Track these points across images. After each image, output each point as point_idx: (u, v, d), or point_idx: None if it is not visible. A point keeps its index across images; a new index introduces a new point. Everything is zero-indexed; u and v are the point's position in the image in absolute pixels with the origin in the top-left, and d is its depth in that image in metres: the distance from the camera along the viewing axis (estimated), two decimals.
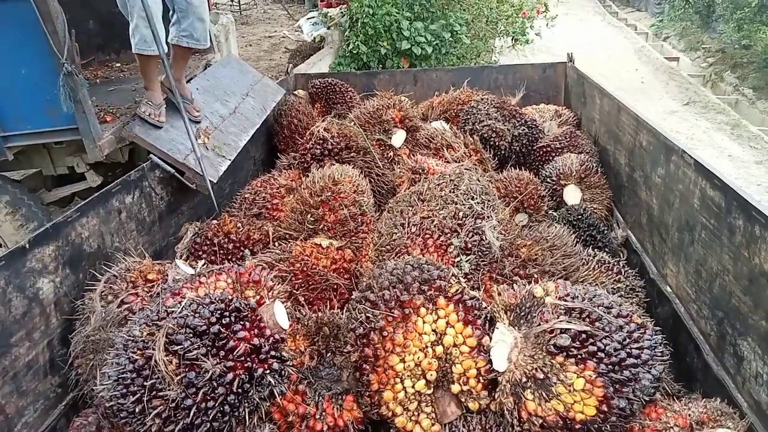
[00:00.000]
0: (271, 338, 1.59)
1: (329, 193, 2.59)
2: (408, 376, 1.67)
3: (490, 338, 1.70)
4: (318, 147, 3.30)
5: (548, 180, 3.47)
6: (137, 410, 1.44)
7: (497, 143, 3.66)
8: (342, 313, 1.99)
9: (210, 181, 2.92)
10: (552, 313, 1.63)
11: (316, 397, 1.76)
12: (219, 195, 3.35)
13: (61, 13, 2.76)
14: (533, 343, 1.62)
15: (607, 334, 1.57)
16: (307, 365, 1.85)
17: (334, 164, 2.94)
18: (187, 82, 3.77)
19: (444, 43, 7.25)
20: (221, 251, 2.61)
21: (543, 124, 4.12)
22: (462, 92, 4.33)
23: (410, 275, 1.77)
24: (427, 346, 1.67)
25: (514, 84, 4.87)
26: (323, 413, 1.72)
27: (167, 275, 2.11)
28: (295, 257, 2.37)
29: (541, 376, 1.57)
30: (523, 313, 1.72)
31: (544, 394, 1.57)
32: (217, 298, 1.59)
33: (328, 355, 1.91)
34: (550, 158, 3.72)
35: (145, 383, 1.44)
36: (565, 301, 1.65)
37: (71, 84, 2.86)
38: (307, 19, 9.05)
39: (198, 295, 1.65)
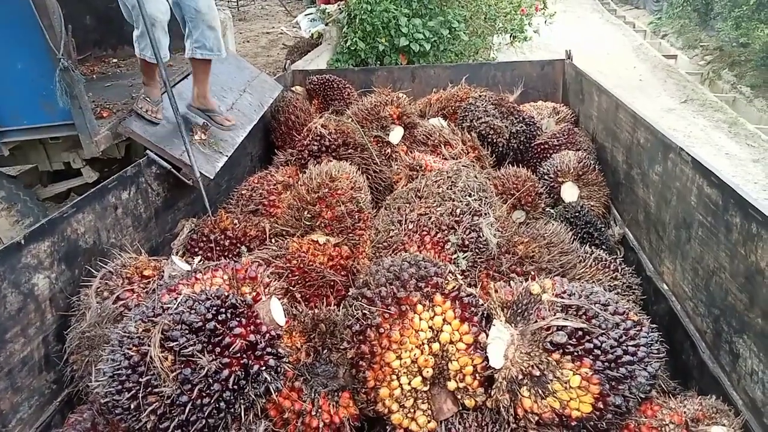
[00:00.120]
0: (267, 335, 1.58)
1: (326, 190, 2.58)
2: (404, 373, 1.67)
3: (487, 335, 1.70)
4: (315, 143, 3.30)
5: (546, 177, 3.47)
6: (132, 406, 1.44)
7: (495, 140, 3.66)
8: (338, 310, 1.99)
9: (204, 176, 2.90)
10: (548, 311, 1.63)
11: (312, 394, 1.76)
12: (216, 191, 3.34)
13: (57, 9, 2.74)
14: (530, 340, 1.62)
15: (603, 331, 1.57)
16: (303, 362, 1.85)
17: (331, 161, 2.93)
18: (184, 78, 3.77)
19: (442, 39, 7.23)
20: (217, 247, 2.60)
21: (541, 122, 4.12)
22: (460, 89, 4.32)
23: (407, 272, 1.77)
24: (423, 343, 1.67)
25: (512, 81, 4.87)
26: (319, 410, 1.72)
27: (163, 271, 2.10)
28: (291, 254, 2.37)
29: (538, 373, 1.57)
30: (519, 311, 1.72)
31: (540, 391, 1.57)
32: (213, 295, 1.58)
33: (325, 351, 1.90)
34: (548, 155, 3.72)
35: (140, 379, 1.44)
36: (562, 298, 1.65)
37: (68, 79, 2.84)
38: (305, 15, 9.01)
39: (194, 292, 1.65)
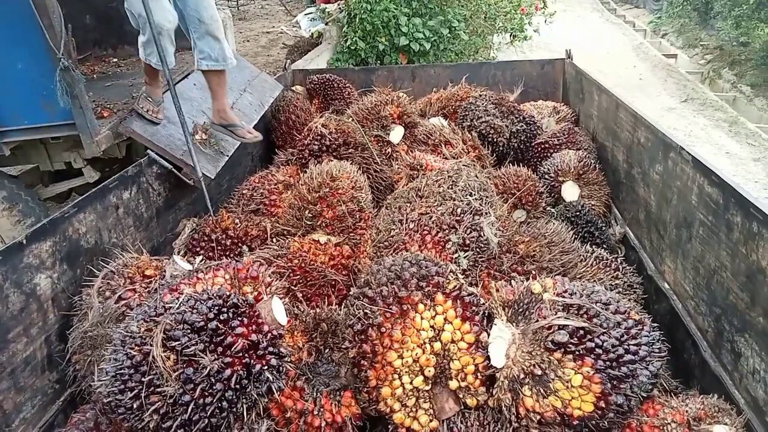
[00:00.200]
0: (269, 334, 1.59)
1: (327, 190, 2.58)
2: (406, 372, 1.67)
3: (488, 334, 1.70)
4: (316, 143, 3.29)
5: (546, 176, 3.47)
6: (135, 406, 1.44)
7: (495, 140, 3.66)
8: (340, 310, 1.99)
9: (205, 175, 2.91)
10: (550, 310, 1.63)
11: (314, 393, 1.76)
12: (217, 191, 3.34)
13: (57, 8, 2.74)
14: (531, 340, 1.63)
15: (604, 330, 1.57)
16: (305, 361, 1.85)
17: (332, 160, 2.93)
18: (185, 77, 3.77)
19: (442, 39, 7.23)
20: (219, 247, 2.61)
21: (541, 121, 4.12)
22: (460, 88, 4.32)
23: (408, 271, 1.77)
24: (425, 343, 1.67)
25: (513, 80, 4.86)
26: (321, 409, 1.72)
27: (165, 271, 2.10)
28: (293, 253, 2.37)
29: (539, 372, 1.57)
30: (520, 310, 1.72)
31: (541, 391, 1.57)
32: (214, 294, 1.59)
33: (326, 351, 1.91)
34: (548, 155, 3.72)
35: (142, 379, 1.44)
36: (563, 297, 1.66)
37: (68, 79, 2.84)
38: (305, 14, 9.00)
39: (196, 291, 1.65)
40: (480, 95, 4.02)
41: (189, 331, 1.48)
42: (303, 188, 2.66)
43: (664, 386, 1.97)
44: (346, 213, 2.56)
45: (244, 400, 1.52)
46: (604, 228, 3.00)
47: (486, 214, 2.38)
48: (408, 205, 2.49)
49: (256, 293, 1.76)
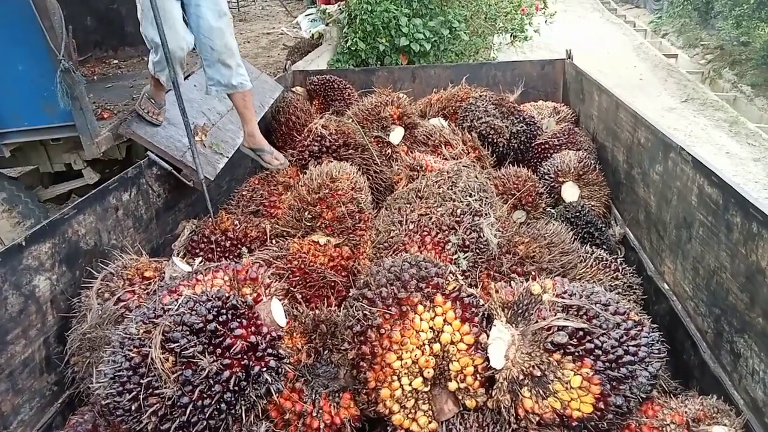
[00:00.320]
0: (268, 336, 1.58)
1: (327, 191, 2.58)
2: (405, 373, 1.67)
3: (488, 336, 1.70)
4: (316, 144, 3.30)
5: (546, 177, 3.47)
6: (133, 408, 1.44)
7: (495, 140, 3.66)
8: (339, 311, 1.99)
9: (205, 177, 2.91)
10: (549, 311, 1.62)
11: (313, 395, 1.76)
12: (216, 192, 3.34)
13: (58, 9, 2.74)
14: (530, 341, 1.62)
15: (604, 331, 1.57)
16: (304, 363, 1.85)
17: (331, 161, 2.94)
18: (186, 78, 3.76)
19: (442, 39, 7.23)
20: (218, 249, 2.61)
21: (541, 121, 4.12)
22: (460, 89, 4.32)
23: (408, 272, 1.77)
24: (424, 344, 1.67)
25: (513, 81, 4.86)
26: (320, 411, 1.72)
27: (164, 273, 2.10)
28: (292, 255, 2.37)
29: (538, 373, 1.57)
30: (520, 311, 1.72)
31: (541, 392, 1.57)
32: (213, 296, 1.58)
33: (326, 352, 1.90)
34: (548, 155, 3.72)
35: (141, 381, 1.44)
36: (563, 298, 1.65)
37: (68, 81, 2.85)
38: (306, 15, 9.00)
39: (195, 293, 1.65)
40: (480, 96, 4.02)
41: (188, 332, 1.48)
42: (303, 189, 2.66)
43: (663, 387, 1.96)
44: (345, 214, 2.56)
45: (242, 402, 1.52)
46: (603, 229, 2.99)
47: (486, 215, 2.37)
48: (408, 206, 2.49)
49: (255, 295, 1.76)
